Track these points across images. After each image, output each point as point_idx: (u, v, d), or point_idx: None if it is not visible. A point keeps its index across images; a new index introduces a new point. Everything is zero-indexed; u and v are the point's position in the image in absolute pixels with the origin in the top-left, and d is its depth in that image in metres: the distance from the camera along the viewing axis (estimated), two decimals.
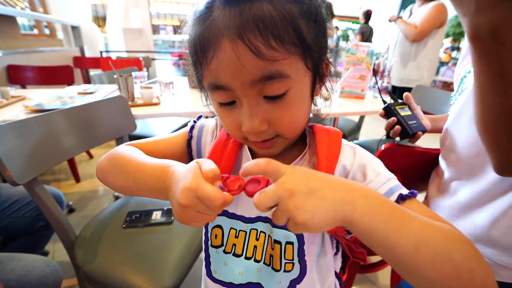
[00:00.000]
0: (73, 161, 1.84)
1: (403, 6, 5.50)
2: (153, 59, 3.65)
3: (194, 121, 0.48)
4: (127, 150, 0.40)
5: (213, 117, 0.48)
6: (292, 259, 0.39)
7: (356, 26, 5.60)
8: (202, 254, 0.45)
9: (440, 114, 0.73)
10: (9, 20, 2.24)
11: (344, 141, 0.41)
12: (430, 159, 0.67)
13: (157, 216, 0.88)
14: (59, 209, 0.75)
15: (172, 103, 1.29)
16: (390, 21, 2.09)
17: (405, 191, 0.34)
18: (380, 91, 0.74)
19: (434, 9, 1.81)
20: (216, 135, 0.45)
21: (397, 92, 2.13)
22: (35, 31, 2.80)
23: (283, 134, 0.34)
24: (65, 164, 1.95)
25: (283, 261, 0.39)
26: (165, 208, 0.91)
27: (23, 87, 2.04)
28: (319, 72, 0.34)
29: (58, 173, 2.03)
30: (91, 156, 2.27)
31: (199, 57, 0.31)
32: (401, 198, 0.33)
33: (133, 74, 1.26)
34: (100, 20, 4.15)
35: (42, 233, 0.95)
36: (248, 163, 0.26)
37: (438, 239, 0.26)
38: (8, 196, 0.87)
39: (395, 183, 0.35)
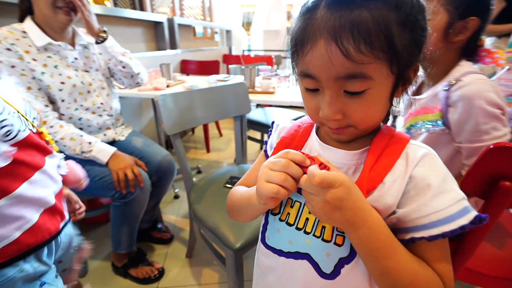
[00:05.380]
0: (207, 135, 2.34)
1: None
2: (284, 58, 3.97)
3: (270, 130, 0.54)
4: (233, 193, 0.52)
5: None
6: (344, 233, 0.39)
7: None
8: (262, 221, 0.48)
9: None
10: (188, 27, 3.05)
11: (415, 144, 0.39)
12: None
13: None
14: (186, 159, 1.03)
15: (285, 94, 1.42)
16: None
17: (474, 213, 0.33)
18: None
19: None
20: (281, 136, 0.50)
21: None
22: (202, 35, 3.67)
23: (355, 125, 0.37)
24: (201, 137, 2.51)
25: (335, 232, 0.39)
26: None
27: (187, 75, 2.75)
28: (404, 76, 0.36)
29: (198, 142, 2.64)
30: (221, 134, 2.80)
31: (298, 49, 0.36)
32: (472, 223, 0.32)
33: (258, 67, 1.47)
34: (249, 24, 4.91)
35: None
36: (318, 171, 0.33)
37: (404, 279, 0.33)
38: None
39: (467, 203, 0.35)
